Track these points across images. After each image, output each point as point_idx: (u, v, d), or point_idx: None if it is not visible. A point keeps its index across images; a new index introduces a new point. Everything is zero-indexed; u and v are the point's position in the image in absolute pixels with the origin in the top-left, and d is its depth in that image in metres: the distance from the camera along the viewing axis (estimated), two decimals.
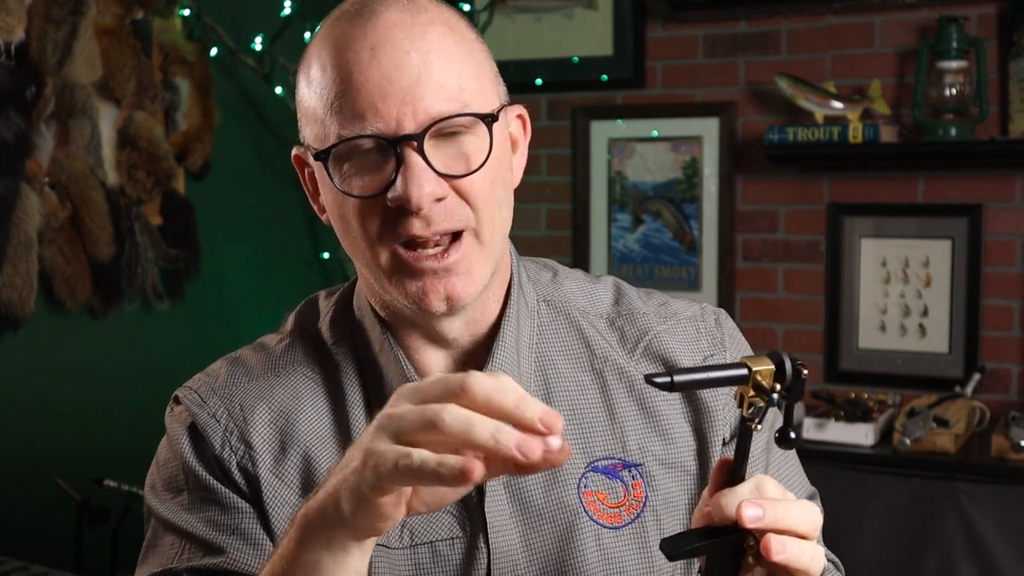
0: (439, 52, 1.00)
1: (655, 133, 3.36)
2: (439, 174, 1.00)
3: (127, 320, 2.94)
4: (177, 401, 1.12)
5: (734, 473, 0.88)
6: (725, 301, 3.27)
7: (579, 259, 3.44)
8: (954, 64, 2.90)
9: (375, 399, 1.09)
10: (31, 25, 2.64)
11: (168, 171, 3.00)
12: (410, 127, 0.98)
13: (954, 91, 2.92)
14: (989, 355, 3.00)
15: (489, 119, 1.02)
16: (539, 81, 3.46)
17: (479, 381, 0.79)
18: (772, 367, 0.83)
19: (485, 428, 0.77)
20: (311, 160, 1.06)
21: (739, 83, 3.27)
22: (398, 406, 0.82)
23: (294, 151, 1.11)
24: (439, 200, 1.00)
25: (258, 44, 3.22)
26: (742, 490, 0.86)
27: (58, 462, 2.68)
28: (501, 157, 1.05)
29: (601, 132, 3.43)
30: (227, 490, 1.06)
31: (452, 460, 0.77)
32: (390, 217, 1.01)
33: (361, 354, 1.12)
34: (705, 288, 3.32)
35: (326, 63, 1.01)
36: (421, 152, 0.98)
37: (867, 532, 2.66)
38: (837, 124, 2.97)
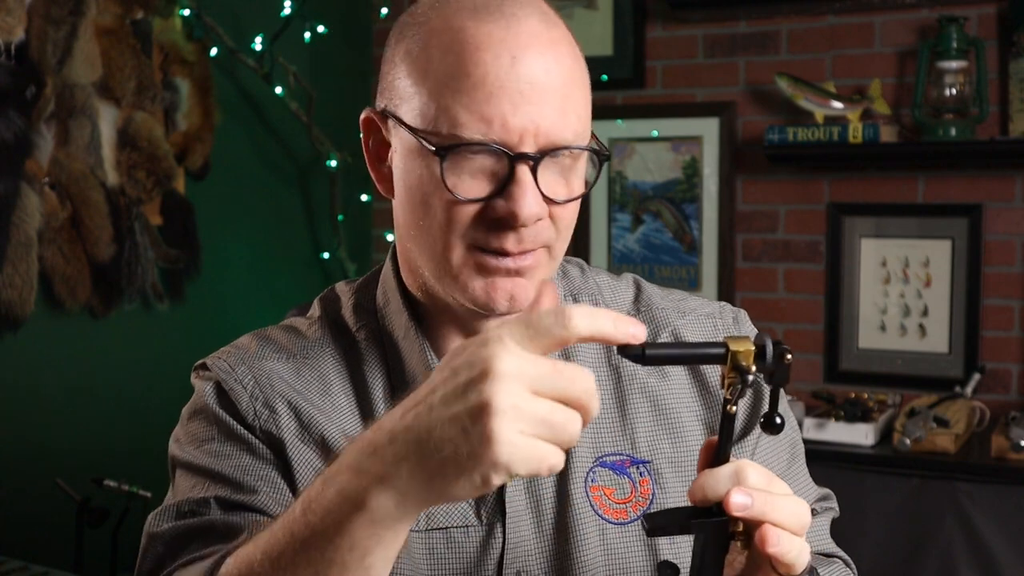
0: (571, 80, 1.02)
1: (655, 133, 3.36)
2: (543, 196, 1.01)
3: (127, 320, 2.94)
4: (204, 367, 1.13)
5: (717, 455, 0.88)
6: (725, 301, 3.26)
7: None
8: (954, 64, 2.90)
9: (397, 384, 1.10)
10: (31, 25, 2.64)
11: (168, 171, 3.00)
12: (531, 146, 0.99)
13: (954, 91, 2.92)
14: (989, 355, 3.00)
15: (602, 157, 1.06)
16: None
17: (579, 316, 0.78)
18: (752, 348, 0.83)
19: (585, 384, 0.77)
20: (403, 131, 1.03)
21: (739, 83, 3.27)
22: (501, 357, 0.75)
23: (365, 113, 1.09)
24: (538, 220, 1.02)
25: (258, 44, 3.22)
26: (722, 472, 0.87)
27: (58, 462, 2.68)
28: None
29: (601, 132, 3.40)
30: (256, 441, 1.06)
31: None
32: (484, 223, 1.01)
33: (384, 340, 1.13)
34: (705, 288, 3.32)
35: (457, 50, 1.00)
36: (535, 172, 1.00)
37: (867, 532, 2.66)
38: (837, 124, 2.97)
